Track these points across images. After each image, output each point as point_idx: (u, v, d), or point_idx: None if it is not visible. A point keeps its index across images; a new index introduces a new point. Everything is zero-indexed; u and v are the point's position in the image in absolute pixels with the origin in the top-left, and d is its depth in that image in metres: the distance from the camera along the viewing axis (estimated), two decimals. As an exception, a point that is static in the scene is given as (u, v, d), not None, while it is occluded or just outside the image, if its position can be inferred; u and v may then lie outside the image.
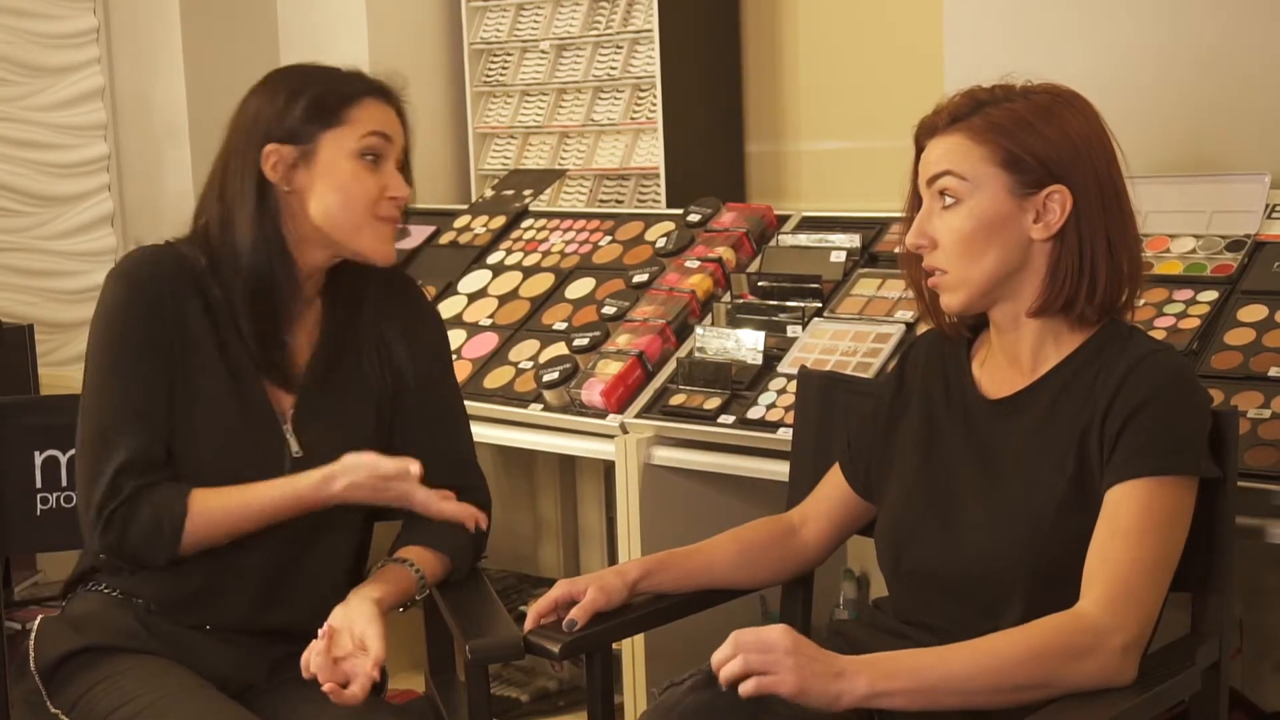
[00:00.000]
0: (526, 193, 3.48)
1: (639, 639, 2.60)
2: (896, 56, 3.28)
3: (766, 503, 2.32)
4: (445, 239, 3.42)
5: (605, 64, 3.59)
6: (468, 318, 3.12)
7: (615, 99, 3.59)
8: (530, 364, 2.91)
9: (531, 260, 3.22)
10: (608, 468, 2.86)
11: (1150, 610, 1.67)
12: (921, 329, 2.06)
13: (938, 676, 1.62)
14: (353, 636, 1.84)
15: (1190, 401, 1.74)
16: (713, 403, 2.58)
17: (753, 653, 1.58)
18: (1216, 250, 2.42)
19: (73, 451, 2.08)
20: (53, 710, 1.93)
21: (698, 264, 2.89)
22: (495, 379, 2.91)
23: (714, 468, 2.55)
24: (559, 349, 2.89)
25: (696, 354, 2.69)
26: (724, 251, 2.90)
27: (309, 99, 1.96)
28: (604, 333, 2.85)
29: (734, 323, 2.74)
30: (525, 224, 3.36)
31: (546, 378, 2.79)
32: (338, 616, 1.87)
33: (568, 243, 3.21)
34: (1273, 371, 2.17)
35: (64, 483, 2.21)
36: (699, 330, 2.72)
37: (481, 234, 3.38)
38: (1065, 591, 1.68)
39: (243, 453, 1.96)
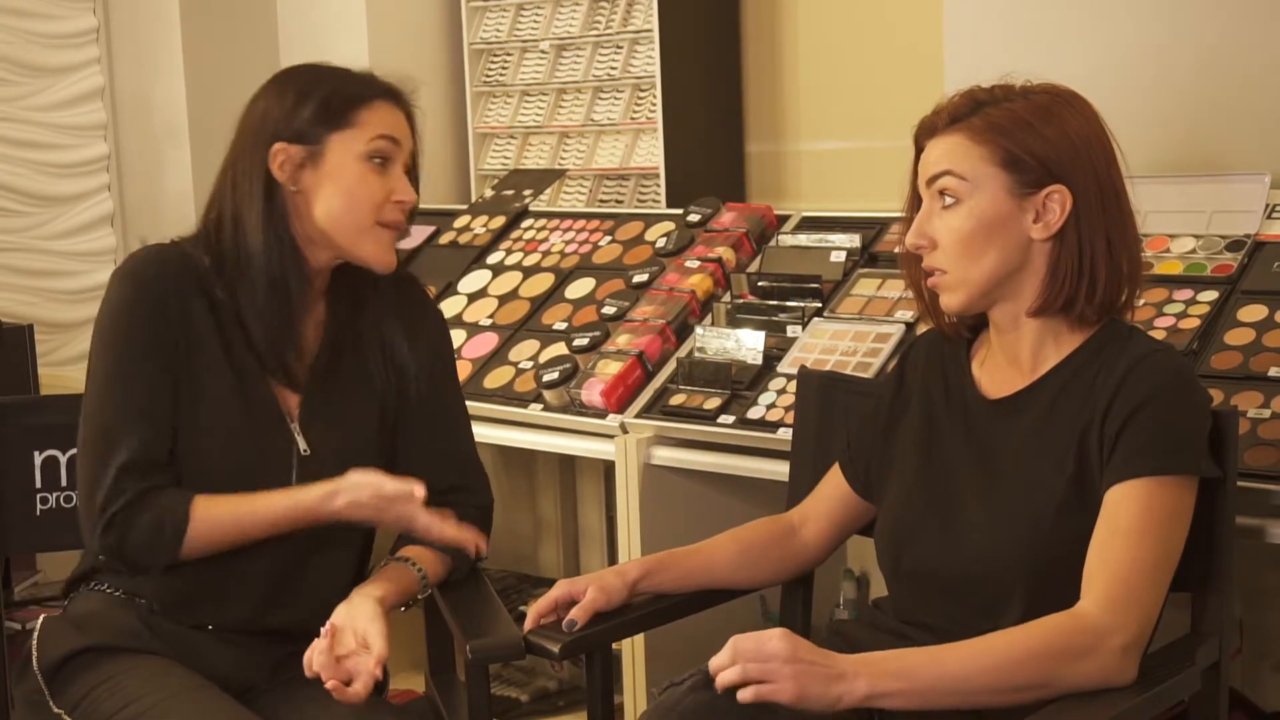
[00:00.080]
0: (526, 193, 3.48)
1: (639, 639, 2.60)
2: (896, 56, 3.28)
3: (766, 503, 2.32)
4: (445, 239, 3.42)
5: (605, 64, 3.59)
6: (468, 318, 3.12)
7: (615, 99, 3.59)
8: (530, 364, 2.91)
9: (531, 260, 3.22)
10: (608, 468, 2.86)
11: (1150, 610, 1.67)
12: (921, 329, 2.06)
13: (937, 676, 1.62)
14: (355, 635, 1.84)
15: (1190, 401, 1.74)
16: (713, 403, 2.58)
17: (751, 661, 1.58)
18: (1216, 250, 2.42)
19: (73, 451, 2.08)
20: (55, 710, 1.93)
21: (698, 264, 2.89)
22: (495, 379, 2.91)
23: (714, 468, 2.55)
24: (559, 349, 2.89)
25: (696, 354, 2.69)
26: (724, 251, 2.90)
27: (319, 99, 1.95)
28: (604, 333, 2.85)
29: (734, 323, 2.74)
30: (525, 224, 3.36)
31: (546, 378, 2.79)
32: (340, 615, 1.87)
33: (568, 243, 3.21)
34: (1273, 371, 2.17)
35: (64, 483, 2.21)
36: (699, 330, 2.72)
37: (481, 234, 3.38)
38: (1065, 591, 1.68)
39: (249, 451, 1.96)
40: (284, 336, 1.97)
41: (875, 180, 2.63)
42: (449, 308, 3.14)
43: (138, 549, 1.91)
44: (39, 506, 2.22)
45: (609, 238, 3.18)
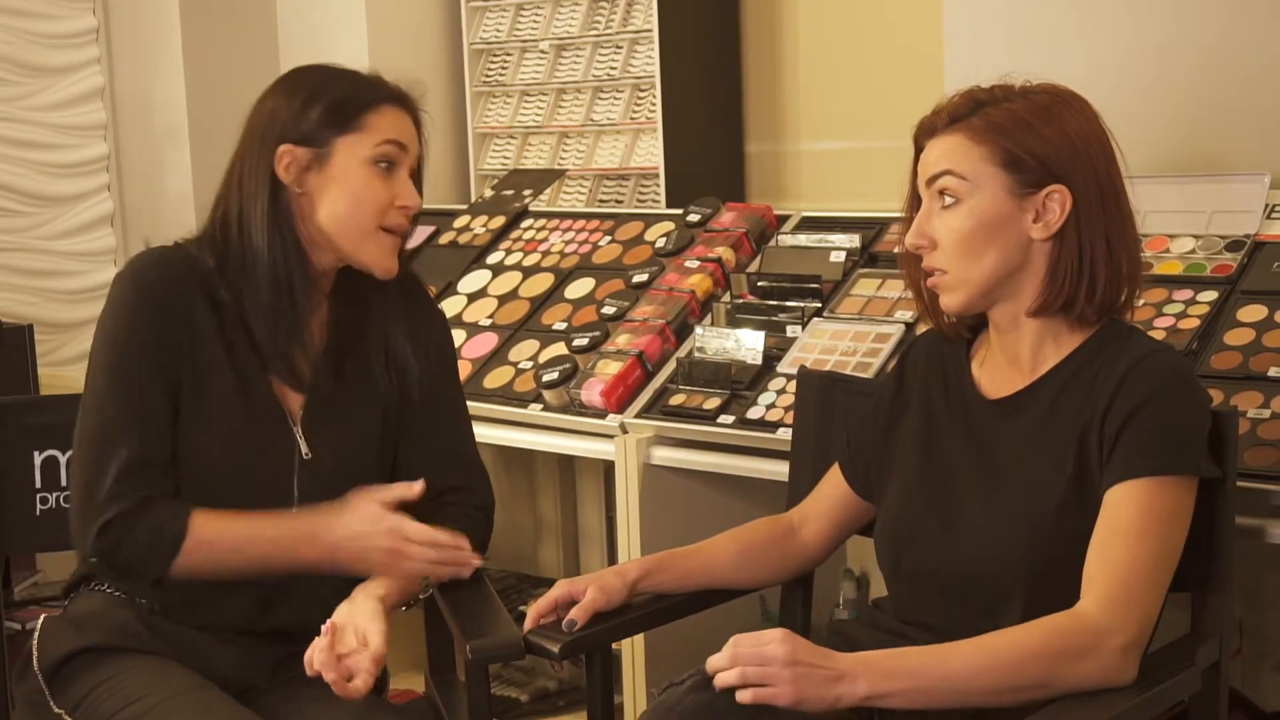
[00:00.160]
0: (526, 193, 3.48)
1: (639, 639, 2.60)
2: (896, 56, 3.28)
3: (766, 503, 2.32)
4: (445, 239, 3.42)
5: (605, 64, 3.59)
6: (467, 318, 3.12)
7: (615, 99, 3.59)
8: (530, 364, 2.91)
9: (531, 260, 3.22)
10: (608, 468, 2.86)
11: (1150, 610, 1.67)
12: (921, 329, 2.06)
13: (937, 677, 1.62)
14: (356, 633, 1.84)
15: (1190, 401, 1.74)
16: (712, 403, 2.58)
17: (750, 664, 1.58)
18: (1216, 250, 2.42)
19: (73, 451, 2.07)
20: (56, 710, 1.93)
21: (697, 264, 2.89)
22: (495, 379, 2.91)
23: (714, 468, 2.55)
24: (559, 349, 2.89)
25: (696, 354, 2.69)
26: (724, 251, 2.90)
27: (326, 102, 1.95)
28: (604, 333, 2.85)
29: (734, 323, 2.74)
30: (525, 224, 3.36)
31: (546, 378, 2.79)
32: (341, 613, 1.87)
33: (567, 243, 3.21)
34: (1272, 371, 2.17)
35: (64, 483, 2.21)
36: (699, 330, 2.72)
37: (481, 234, 3.38)
38: (1065, 591, 1.68)
39: (250, 452, 1.96)
40: (289, 336, 1.97)
41: (875, 180, 2.63)
42: (449, 308, 3.14)
43: (131, 557, 1.90)
44: (39, 506, 2.22)
45: (609, 238, 3.18)
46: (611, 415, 2.68)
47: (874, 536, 1.94)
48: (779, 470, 2.32)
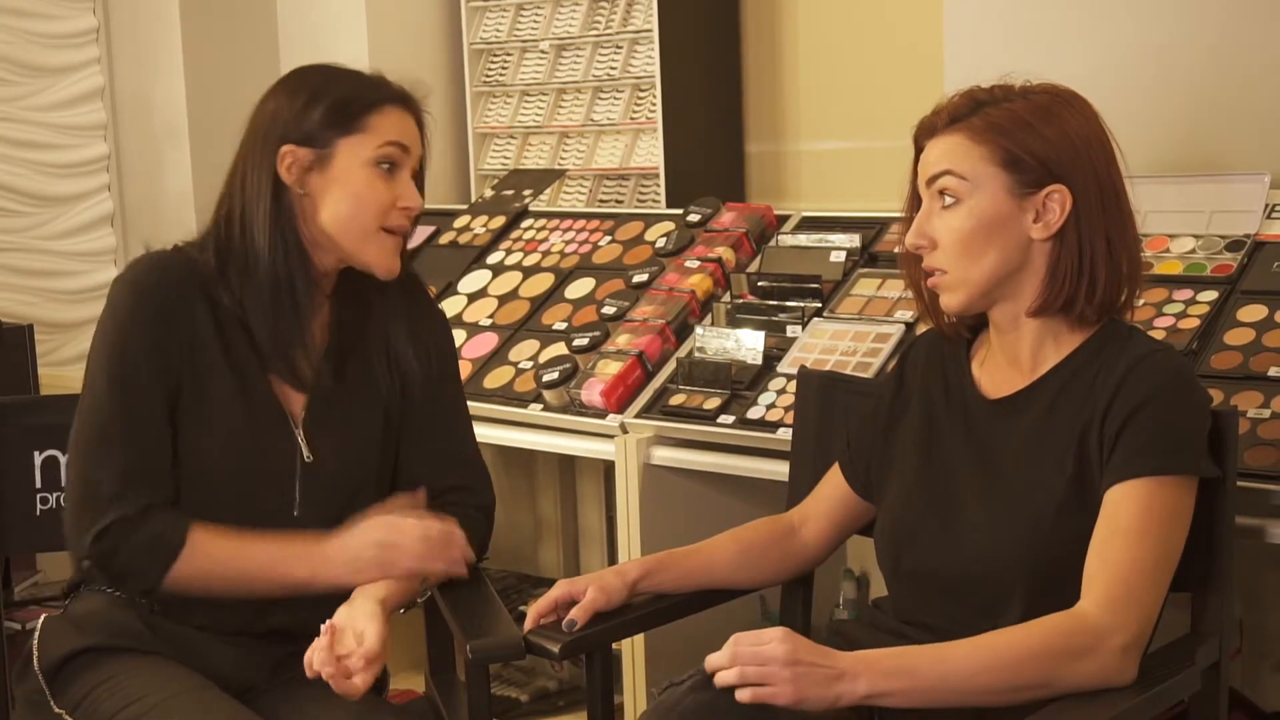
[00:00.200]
0: (526, 193, 3.48)
1: (639, 639, 2.60)
2: (896, 56, 3.28)
3: (766, 503, 2.32)
4: (445, 239, 3.42)
5: (605, 64, 3.59)
6: (468, 318, 3.12)
7: (615, 99, 3.59)
8: (530, 364, 2.91)
9: (531, 260, 3.22)
10: (608, 468, 2.86)
11: (1150, 610, 1.67)
12: (921, 329, 2.06)
13: (937, 676, 1.62)
14: (354, 634, 1.84)
15: (1190, 401, 1.74)
16: (713, 403, 2.58)
17: (749, 664, 1.58)
18: (1216, 250, 2.42)
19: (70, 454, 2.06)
20: (56, 710, 1.93)
21: (697, 264, 2.89)
22: (495, 379, 2.91)
23: (714, 468, 2.55)
24: (559, 349, 2.89)
25: (696, 354, 2.69)
26: (724, 251, 2.90)
27: (329, 103, 1.94)
28: (604, 333, 2.85)
29: (734, 323, 2.74)
30: (525, 224, 3.36)
31: (546, 378, 2.79)
32: (341, 615, 1.87)
33: (567, 243, 3.21)
34: (1272, 371, 2.17)
35: (64, 483, 2.21)
36: (699, 330, 2.72)
37: (481, 234, 3.38)
38: (1065, 591, 1.68)
39: (252, 454, 1.95)
40: (290, 337, 1.96)
41: (875, 180, 2.63)
42: (449, 308, 3.14)
43: (128, 564, 1.90)
44: (39, 506, 2.22)
45: (609, 238, 3.18)
46: (612, 415, 2.68)
47: (874, 536, 1.94)
48: (779, 470, 2.32)
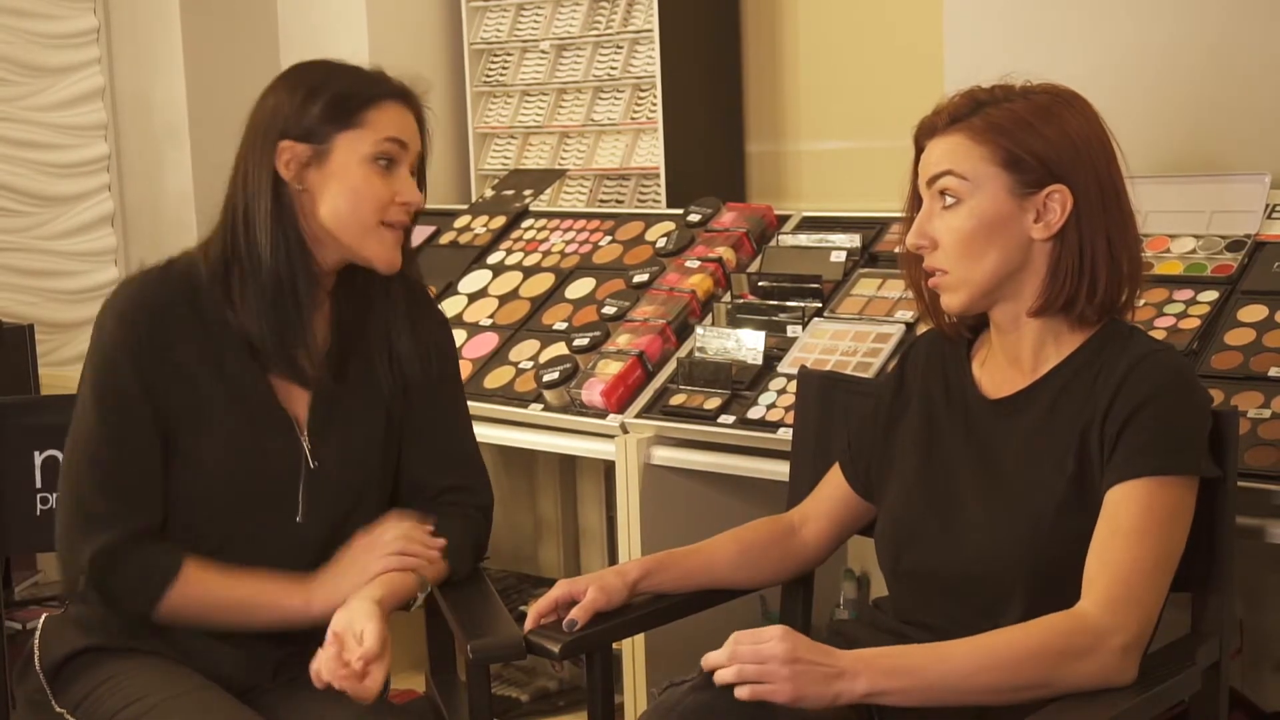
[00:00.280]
0: (527, 193, 3.48)
1: (639, 639, 2.60)
2: (896, 56, 3.28)
3: (766, 503, 2.32)
4: (445, 239, 3.42)
5: (605, 64, 3.59)
6: (468, 318, 3.12)
7: (615, 99, 3.60)
8: (530, 364, 2.91)
9: (532, 260, 3.22)
10: (608, 468, 2.86)
11: (1150, 610, 1.67)
12: (921, 329, 2.06)
13: (937, 675, 1.62)
14: (354, 636, 1.84)
15: (1190, 401, 1.74)
16: (713, 403, 2.58)
17: (749, 662, 1.58)
18: (1216, 250, 2.42)
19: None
20: (57, 710, 1.93)
21: (698, 264, 2.90)
22: (495, 379, 2.91)
23: (714, 468, 2.55)
24: (559, 349, 2.89)
25: (697, 354, 2.69)
26: (724, 251, 2.90)
27: (327, 98, 1.93)
28: (604, 333, 2.85)
29: (734, 323, 2.74)
30: (525, 224, 3.36)
31: (547, 378, 2.79)
32: (340, 621, 1.86)
33: (568, 243, 3.21)
34: (1273, 371, 2.17)
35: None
36: (699, 330, 2.72)
37: (482, 234, 3.38)
38: (1065, 591, 1.68)
39: (255, 461, 1.94)
40: (292, 333, 1.96)
41: (875, 180, 2.63)
42: (449, 308, 3.14)
43: (119, 592, 1.90)
44: (39, 507, 2.22)
45: (609, 238, 3.18)
46: (612, 415, 2.68)
47: (874, 536, 1.94)
48: (779, 470, 2.32)
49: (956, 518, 1.81)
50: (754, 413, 2.53)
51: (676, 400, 2.63)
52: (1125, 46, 2.66)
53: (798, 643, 1.60)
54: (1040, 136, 1.74)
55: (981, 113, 1.77)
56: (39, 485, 2.21)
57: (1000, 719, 1.65)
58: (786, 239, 2.88)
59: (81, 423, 1.93)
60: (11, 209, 3.91)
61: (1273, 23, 2.53)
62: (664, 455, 2.61)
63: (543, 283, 3.13)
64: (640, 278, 2.95)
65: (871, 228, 2.82)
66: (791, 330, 2.67)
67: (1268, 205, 2.42)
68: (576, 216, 3.32)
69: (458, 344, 2.97)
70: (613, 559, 3.33)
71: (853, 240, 2.79)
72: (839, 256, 2.78)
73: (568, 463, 3.55)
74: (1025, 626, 1.66)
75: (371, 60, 2.02)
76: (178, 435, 1.93)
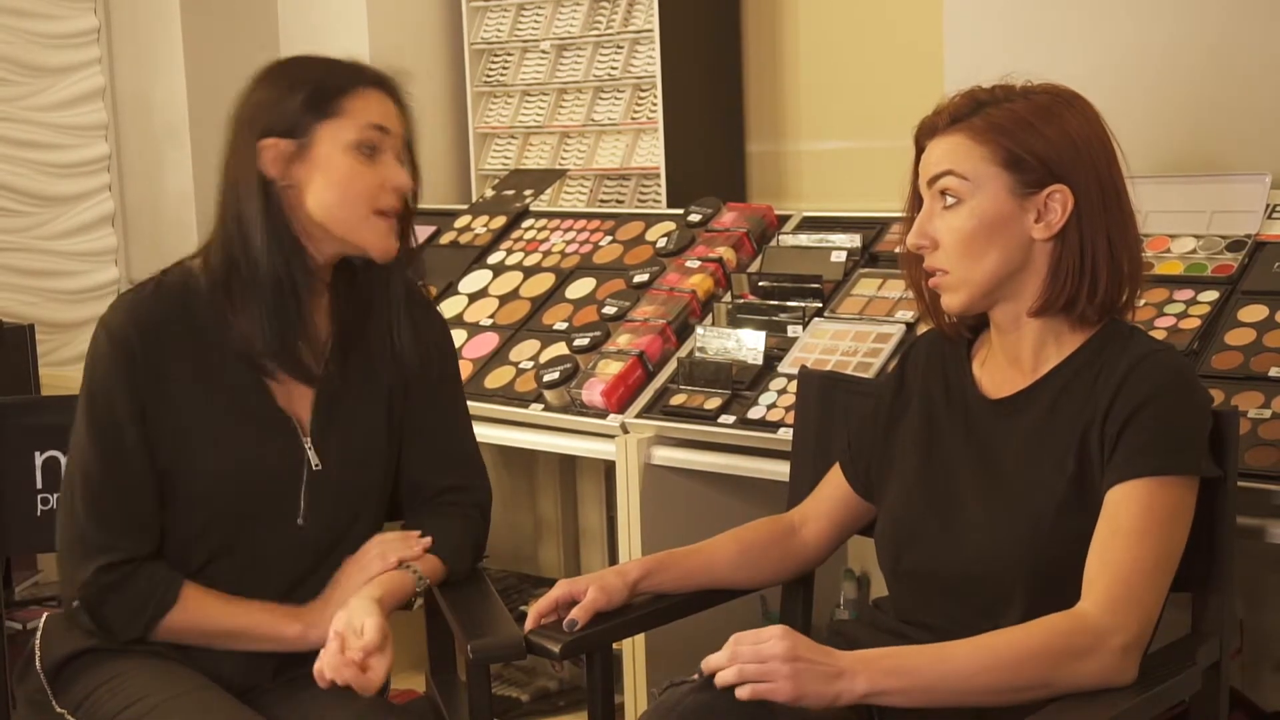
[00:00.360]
0: (527, 193, 3.48)
1: (639, 639, 2.60)
2: (896, 56, 3.28)
3: (766, 503, 2.32)
4: (446, 239, 3.42)
5: (605, 64, 3.59)
6: (468, 318, 3.12)
7: (615, 99, 3.59)
8: (531, 364, 2.91)
9: (532, 260, 3.22)
10: (608, 468, 2.86)
11: (1151, 610, 1.67)
12: (922, 329, 2.06)
13: (937, 675, 1.62)
14: (354, 633, 1.84)
15: (1191, 401, 1.74)
16: (713, 403, 2.58)
17: (749, 662, 1.58)
18: (1217, 250, 2.42)
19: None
20: (58, 710, 1.93)
21: (698, 264, 2.90)
22: (496, 379, 2.91)
23: (714, 468, 2.55)
24: (559, 349, 2.89)
25: (697, 354, 2.69)
26: (724, 251, 2.90)
27: (306, 91, 1.92)
28: (604, 333, 2.85)
29: (734, 323, 2.74)
30: (526, 224, 3.36)
31: (547, 378, 2.79)
32: (340, 620, 1.86)
33: (568, 243, 3.21)
34: (1273, 371, 2.17)
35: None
36: (699, 330, 2.72)
37: (482, 234, 3.38)
38: (1065, 591, 1.68)
39: (258, 467, 1.94)
40: (294, 332, 1.95)
41: (875, 180, 2.63)
42: (450, 308, 3.15)
43: (113, 616, 1.90)
44: (39, 507, 2.22)
45: (609, 238, 3.18)
46: (612, 415, 2.68)
47: (874, 536, 1.94)
48: (779, 470, 2.32)
49: (956, 518, 1.81)
50: (754, 413, 2.53)
51: (677, 400, 2.63)
52: (1125, 46, 2.66)
53: (798, 642, 1.60)
54: (1041, 136, 1.74)
55: (982, 113, 1.77)
56: (39, 485, 2.21)
57: (1000, 719, 1.65)
58: (787, 239, 2.88)
59: (76, 448, 1.94)
60: (12, 209, 3.92)
61: (1273, 23, 2.53)
62: (664, 455, 2.61)
63: (543, 283, 3.13)
64: (640, 278, 2.95)
65: (872, 228, 2.82)
66: (792, 330, 2.67)
67: (1268, 205, 2.42)
68: (577, 216, 3.32)
69: (458, 344, 2.99)
70: (613, 559, 3.33)
71: (853, 240, 2.79)
72: (839, 256, 2.78)
73: (568, 463, 3.55)
74: (1026, 627, 1.66)
75: (372, 61, 2.02)
76: (177, 451, 1.92)
